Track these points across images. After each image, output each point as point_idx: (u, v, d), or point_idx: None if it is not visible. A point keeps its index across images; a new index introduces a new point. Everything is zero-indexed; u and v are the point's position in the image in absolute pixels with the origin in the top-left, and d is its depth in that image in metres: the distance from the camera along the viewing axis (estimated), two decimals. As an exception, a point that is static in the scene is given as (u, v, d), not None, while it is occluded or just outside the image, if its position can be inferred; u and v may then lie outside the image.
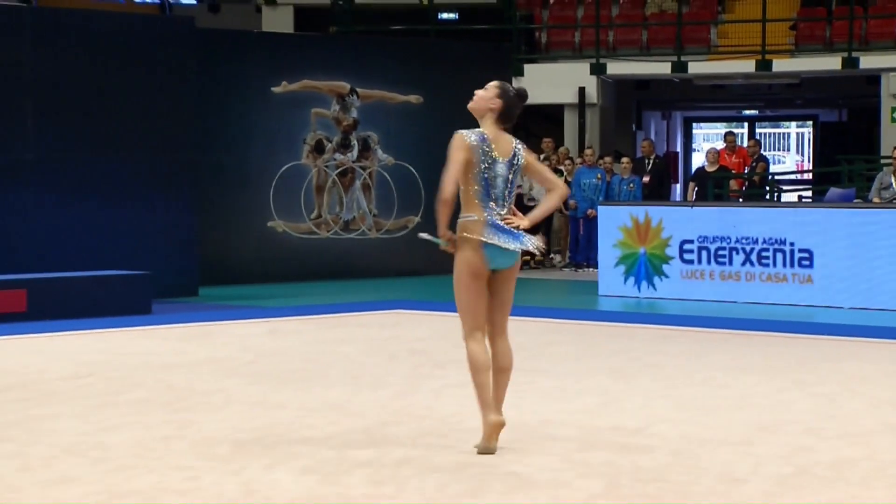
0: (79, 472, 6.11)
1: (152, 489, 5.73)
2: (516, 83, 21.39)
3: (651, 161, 20.23)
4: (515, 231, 6.40)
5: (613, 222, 15.76)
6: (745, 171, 20.26)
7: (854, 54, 22.40)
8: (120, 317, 13.01)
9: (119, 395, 8.35)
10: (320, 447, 6.57)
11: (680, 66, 23.41)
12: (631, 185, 19.52)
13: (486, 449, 6.42)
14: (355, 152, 18.51)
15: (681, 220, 15.29)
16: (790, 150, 33.85)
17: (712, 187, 18.96)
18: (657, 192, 19.83)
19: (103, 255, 14.76)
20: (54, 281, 13.43)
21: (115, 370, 9.49)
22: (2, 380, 9.02)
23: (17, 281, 13.15)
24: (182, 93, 15.65)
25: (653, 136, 27.46)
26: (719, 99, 28.00)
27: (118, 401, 8.13)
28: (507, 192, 6.47)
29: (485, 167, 6.41)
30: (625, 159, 20.26)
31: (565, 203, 20.08)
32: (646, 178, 19.78)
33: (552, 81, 23.41)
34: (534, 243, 6.43)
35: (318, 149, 18.17)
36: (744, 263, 14.76)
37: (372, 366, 9.67)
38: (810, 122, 30.93)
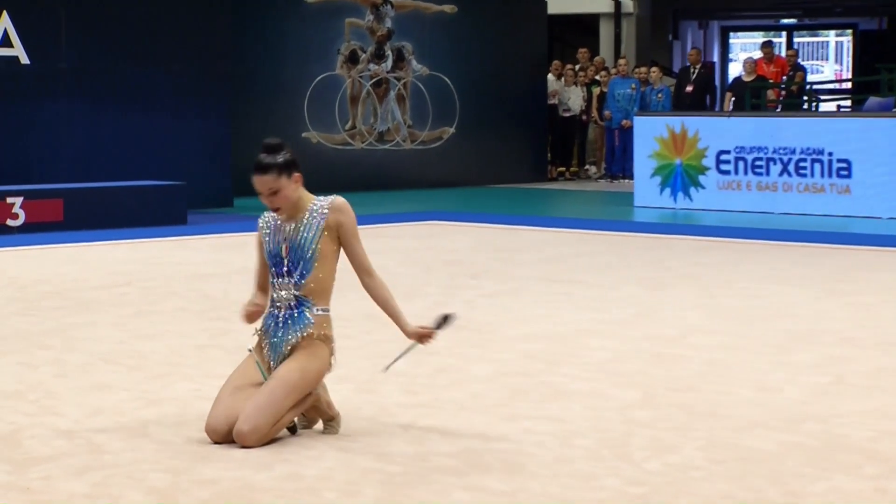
0: (115, 379, 6.15)
1: (188, 396, 5.75)
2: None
3: (696, 70, 19.95)
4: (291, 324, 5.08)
5: (649, 133, 15.66)
6: (783, 81, 20.03)
7: (895, -39, 22.03)
8: (155, 227, 13.06)
9: (155, 303, 8.39)
10: (356, 357, 6.58)
11: (718, -26, 23.09)
12: (660, 94, 19.33)
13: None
14: (389, 63, 18.40)
15: (718, 131, 15.18)
16: (829, 59, 33.46)
17: (749, 97, 18.76)
18: (700, 103, 19.60)
19: (138, 165, 14.80)
20: (91, 191, 13.48)
21: (150, 279, 9.53)
22: (39, 288, 9.08)
23: (53, 191, 13.21)
24: (216, 2, 15.55)
25: (689, 46, 27.17)
26: (757, 7, 27.64)
27: (154, 309, 8.17)
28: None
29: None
30: (654, 68, 20.04)
31: (600, 113, 19.97)
32: (689, 88, 19.51)
33: (588, -10, 23.18)
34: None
35: (353, 59, 18.07)
36: (781, 174, 14.65)
37: (407, 277, 9.66)
38: (849, 31, 30.53)
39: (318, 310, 5.11)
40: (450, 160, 19.00)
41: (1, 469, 4.63)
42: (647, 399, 5.71)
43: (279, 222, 5.13)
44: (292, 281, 5.08)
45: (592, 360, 6.55)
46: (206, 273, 9.84)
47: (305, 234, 5.08)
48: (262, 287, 5.25)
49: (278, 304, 5.11)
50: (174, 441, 5.00)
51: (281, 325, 5.09)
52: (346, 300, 7.09)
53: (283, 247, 5.09)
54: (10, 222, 12.69)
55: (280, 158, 5.03)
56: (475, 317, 7.86)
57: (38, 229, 12.65)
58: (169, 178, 14.32)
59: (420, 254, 11.15)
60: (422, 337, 5.10)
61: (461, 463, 4.71)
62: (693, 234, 12.77)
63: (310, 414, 5.16)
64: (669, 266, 10.25)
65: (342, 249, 5.17)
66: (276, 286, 5.12)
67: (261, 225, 5.22)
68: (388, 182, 18.25)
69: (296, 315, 5.09)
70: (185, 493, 4.37)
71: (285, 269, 5.09)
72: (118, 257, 10.98)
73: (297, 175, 5.08)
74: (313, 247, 5.07)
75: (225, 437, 4.94)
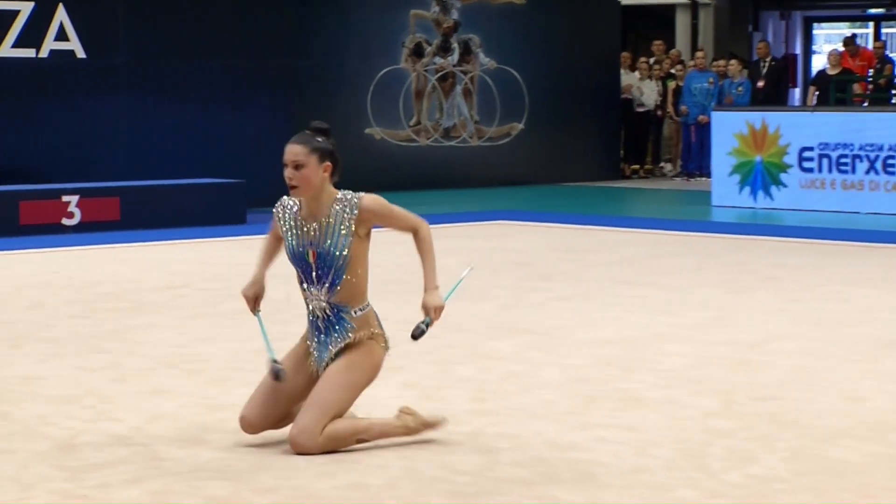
0: (174, 383, 6.20)
1: (249, 402, 5.77)
2: (625, -18, 21.08)
3: (767, 64, 19.84)
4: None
5: (728, 129, 15.56)
6: (870, 74, 19.82)
7: None
8: (214, 226, 13.15)
9: (214, 306, 8.45)
10: (420, 361, 6.58)
11: (800, -38, 22.92)
12: (739, 88, 19.20)
13: None
14: (456, 56, 18.41)
15: (800, 127, 15.05)
16: (919, 51, 33.04)
17: (834, 91, 18.59)
18: (773, 97, 19.48)
19: (196, 162, 14.91)
20: (148, 189, 13.60)
21: (209, 281, 9.60)
22: (95, 289, 9.17)
23: (110, 189, 13.34)
24: (276, -6, 15.70)
25: (770, 38, 26.97)
26: (842, -3, 27.38)
27: (213, 312, 8.22)
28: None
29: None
30: (733, 61, 19.92)
31: (676, 108, 19.87)
32: (760, 83, 19.42)
33: (664, -21, 23.10)
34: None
35: (418, 52, 18.09)
36: (868, 172, 14.51)
37: (474, 278, 9.65)
38: (941, 21, 30.16)
39: (356, 311, 5.13)
40: (518, 157, 18.97)
41: (57, 476, 4.68)
42: (727, 407, 5.67)
43: (300, 219, 5.12)
44: (324, 289, 5.08)
45: (669, 367, 6.52)
46: (266, 274, 9.87)
47: (334, 242, 5.04)
48: (269, 256, 5.39)
49: (315, 313, 5.14)
50: (234, 448, 5.03)
51: (323, 334, 5.13)
52: (405, 302, 7.12)
53: (310, 252, 5.08)
54: (65, 221, 12.83)
55: (319, 140, 5.08)
56: (545, 320, 7.85)
57: (94, 228, 12.78)
58: (228, 176, 14.41)
59: (488, 254, 11.15)
60: (429, 311, 5.12)
61: (531, 473, 4.70)
62: (774, 234, 12.68)
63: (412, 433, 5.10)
64: (750, 268, 10.18)
65: (387, 228, 5.18)
66: (309, 295, 5.14)
67: (279, 215, 5.19)
68: (454, 180, 18.26)
69: (335, 322, 5.12)
70: (246, 502, 4.39)
71: (314, 275, 5.10)
72: (176, 258, 11.07)
73: (327, 164, 5.08)
74: (344, 254, 5.05)
75: (258, 428, 5.04)
